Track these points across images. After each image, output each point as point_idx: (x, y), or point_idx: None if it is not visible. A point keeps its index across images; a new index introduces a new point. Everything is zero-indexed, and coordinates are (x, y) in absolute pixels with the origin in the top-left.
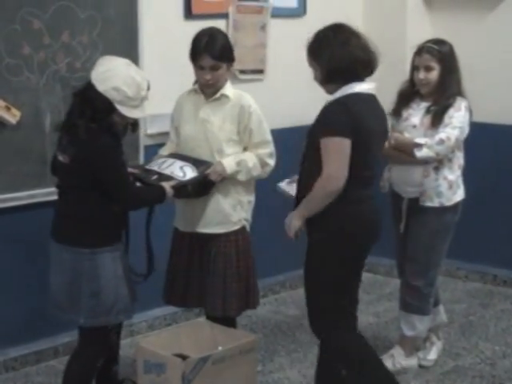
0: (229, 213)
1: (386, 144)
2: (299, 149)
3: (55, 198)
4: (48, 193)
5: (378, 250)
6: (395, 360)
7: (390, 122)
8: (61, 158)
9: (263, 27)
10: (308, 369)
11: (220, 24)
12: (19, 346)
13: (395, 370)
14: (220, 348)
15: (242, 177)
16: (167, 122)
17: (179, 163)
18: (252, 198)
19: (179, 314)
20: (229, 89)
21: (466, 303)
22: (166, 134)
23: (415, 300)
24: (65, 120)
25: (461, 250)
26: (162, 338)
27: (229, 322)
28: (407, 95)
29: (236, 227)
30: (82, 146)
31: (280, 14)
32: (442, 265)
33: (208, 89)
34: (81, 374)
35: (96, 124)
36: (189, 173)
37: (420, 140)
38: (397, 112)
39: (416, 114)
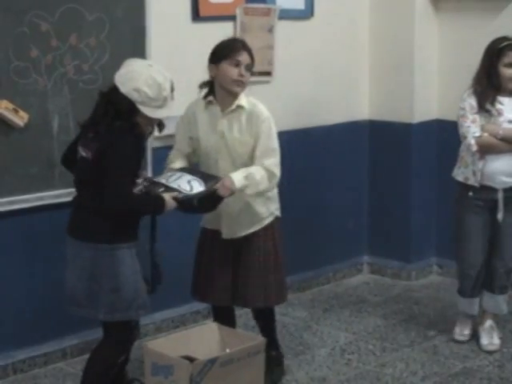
0: (260, 211)
1: (487, 136)
2: (306, 150)
3: (63, 200)
4: (56, 195)
5: (385, 252)
6: (495, 335)
7: (478, 116)
8: (84, 153)
9: (271, 29)
10: (315, 371)
11: (227, 26)
12: (27, 348)
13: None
14: (228, 350)
15: (249, 191)
16: (175, 125)
17: (187, 177)
18: (276, 189)
19: (187, 316)
20: (243, 99)
21: None
22: (174, 136)
23: (508, 280)
24: (89, 118)
25: None
26: (170, 340)
27: (269, 312)
28: (486, 92)
29: (268, 220)
30: (103, 142)
31: (287, 15)
32: None
33: (238, 87)
34: (102, 367)
35: (120, 123)
36: (196, 187)
37: None
38: (483, 107)
39: (507, 109)
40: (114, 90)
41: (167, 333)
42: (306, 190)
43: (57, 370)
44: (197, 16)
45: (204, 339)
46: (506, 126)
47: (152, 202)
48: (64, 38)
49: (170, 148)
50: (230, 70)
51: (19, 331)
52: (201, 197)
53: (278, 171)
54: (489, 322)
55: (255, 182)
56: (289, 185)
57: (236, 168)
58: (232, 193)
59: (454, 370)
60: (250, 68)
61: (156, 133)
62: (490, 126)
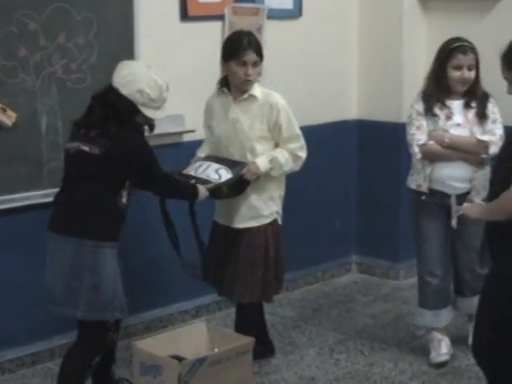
0: (261, 208)
1: (432, 143)
2: None
3: (51, 199)
4: (44, 194)
5: (374, 251)
6: None
7: (424, 122)
8: (86, 148)
9: (259, 29)
10: (304, 371)
11: (216, 26)
12: (15, 348)
13: None
14: (216, 350)
15: (275, 173)
16: (165, 124)
17: (215, 166)
18: (283, 191)
19: (176, 315)
20: (256, 89)
21: None
22: (164, 135)
23: (478, 282)
24: (84, 118)
25: None
26: (159, 339)
27: (256, 307)
28: (434, 94)
29: (267, 220)
30: (118, 143)
31: (276, 15)
32: None
33: (247, 86)
34: (77, 368)
35: (121, 126)
36: (224, 175)
37: (483, 137)
38: (430, 112)
39: (455, 113)
40: (112, 91)
41: (156, 332)
42: (294, 189)
43: (45, 370)
44: (185, 15)
45: (192, 339)
46: (454, 131)
47: (188, 190)
48: (52, 37)
49: (159, 148)
50: (237, 70)
51: (7, 331)
52: (229, 184)
53: (302, 154)
54: None
55: (279, 164)
56: None
57: (244, 153)
58: (258, 176)
59: (442, 369)
60: (257, 64)
61: (146, 133)
62: (436, 133)
